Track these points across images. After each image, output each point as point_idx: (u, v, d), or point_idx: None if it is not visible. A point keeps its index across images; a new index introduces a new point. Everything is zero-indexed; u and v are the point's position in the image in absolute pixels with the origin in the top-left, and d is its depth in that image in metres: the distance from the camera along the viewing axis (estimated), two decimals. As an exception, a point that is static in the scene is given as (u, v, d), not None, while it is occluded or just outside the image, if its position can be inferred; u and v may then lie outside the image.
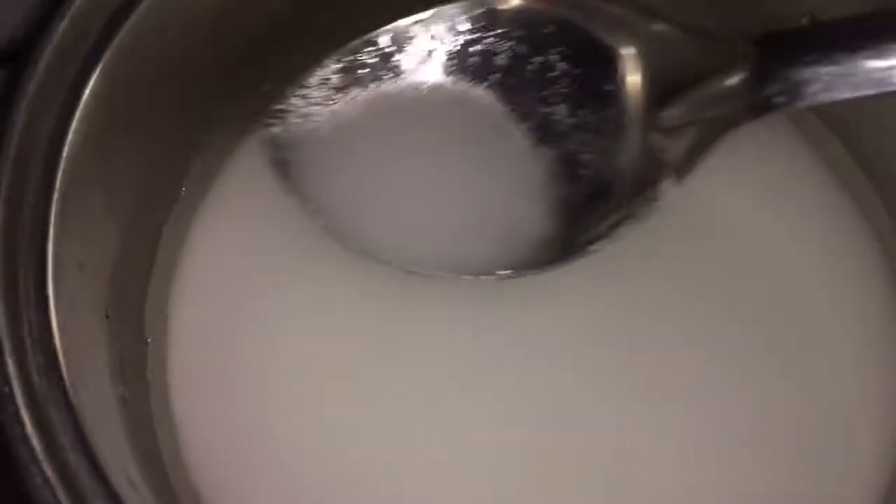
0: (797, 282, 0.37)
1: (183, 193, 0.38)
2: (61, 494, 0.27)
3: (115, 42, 0.31)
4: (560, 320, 0.37)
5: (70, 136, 0.30)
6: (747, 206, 0.38)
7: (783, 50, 0.29)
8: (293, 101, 0.35)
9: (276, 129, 0.34)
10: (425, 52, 0.35)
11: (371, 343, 0.37)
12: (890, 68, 0.26)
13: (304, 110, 0.35)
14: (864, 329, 0.37)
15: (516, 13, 0.34)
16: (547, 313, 0.37)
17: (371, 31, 0.35)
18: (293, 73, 0.36)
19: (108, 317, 0.33)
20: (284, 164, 0.35)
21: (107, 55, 0.31)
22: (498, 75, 0.35)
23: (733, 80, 0.31)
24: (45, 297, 0.29)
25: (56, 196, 0.30)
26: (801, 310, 0.37)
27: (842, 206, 0.39)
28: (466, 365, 0.36)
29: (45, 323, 0.28)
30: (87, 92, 0.31)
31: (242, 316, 0.37)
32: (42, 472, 0.27)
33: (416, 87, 0.35)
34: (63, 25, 0.30)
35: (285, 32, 0.36)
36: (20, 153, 0.30)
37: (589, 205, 0.34)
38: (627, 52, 0.34)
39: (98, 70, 0.31)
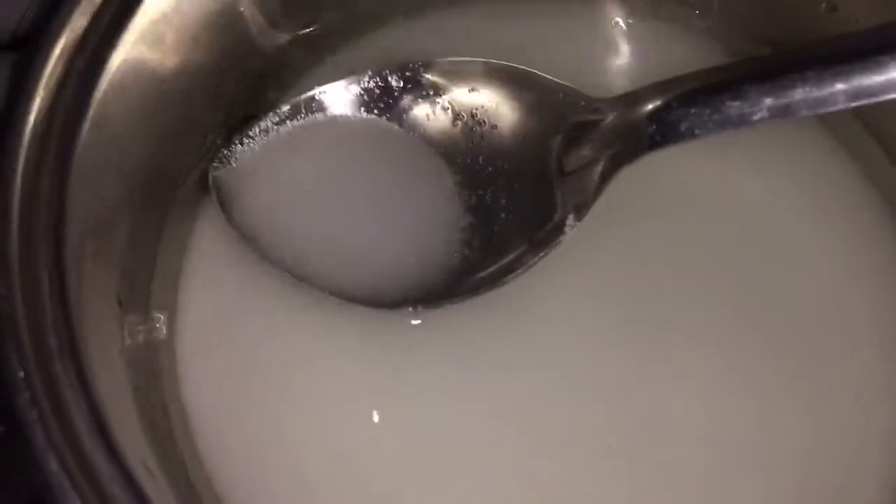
0: (820, 273, 0.38)
1: (194, 181, 0.38)
2: (78, 478, 0.27)
3: (130, 27, 0.31)
4: (581, 312, 0.38)
5: (85, 124, 0.31)
6: (769, 195, 0.39)
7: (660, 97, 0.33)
8: (236, 147, 0.37)
9: (218, 172, 0.37)
10: (364, 106, 0.38)
11: (376, 331, 0.37)
12: (744, 108, 0.30)
13: (246, 156, 0.37)
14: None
15: (443, 74, 0.38)
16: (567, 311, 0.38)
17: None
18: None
19: (120, 304, 0.33)
20: (228, 202, 0.37)
21: (122, 40, 0.31)
22: (430, 128, 0.38)
23: (624, 124, 0.34)
24: (62, 281, 0.29)
25: (71, 182, 0.30)
26: (823, 300, 0.38)
27: (865, 194, 0.40)
28: (475, 362, 0.37)
29: (61, 306, 0.28)
30: (101, 79, 0.31)
31: (251, 306, 0.37)
32: (58, 457, 0.27)
33: (353, 138, 0.38)
34: (75, 12, 0.30)
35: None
36: (34, 141, 0.30)
37: (501, 242, 0.37)
38: (536, 109, 0.38)
39: (112, 56, 0.31)
